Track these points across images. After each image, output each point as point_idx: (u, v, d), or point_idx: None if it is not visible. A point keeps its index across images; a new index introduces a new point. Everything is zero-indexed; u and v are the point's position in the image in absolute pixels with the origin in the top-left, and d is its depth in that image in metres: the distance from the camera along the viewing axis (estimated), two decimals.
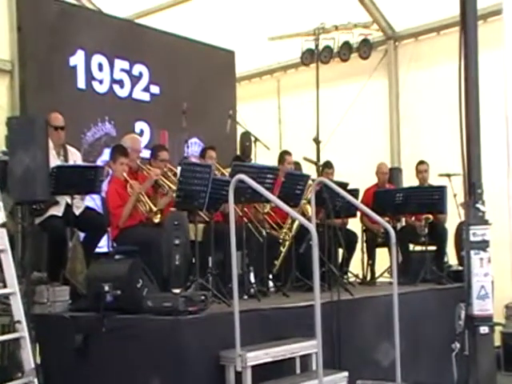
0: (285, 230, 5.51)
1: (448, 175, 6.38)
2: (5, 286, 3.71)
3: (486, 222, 3.34)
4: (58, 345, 3.94)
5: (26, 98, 6.08)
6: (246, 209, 5.00)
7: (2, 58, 6.16)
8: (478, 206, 3.35)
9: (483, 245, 3.29)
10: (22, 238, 4.36)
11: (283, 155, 6.24)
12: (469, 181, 3.41)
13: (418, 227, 6.26)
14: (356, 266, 6.42)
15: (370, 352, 4.43)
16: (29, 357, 3.59)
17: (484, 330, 3.15)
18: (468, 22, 3.46)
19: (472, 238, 3.29)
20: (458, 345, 3.17)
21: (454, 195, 6.26)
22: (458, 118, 3.45)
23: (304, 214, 5.47)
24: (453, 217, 6.23)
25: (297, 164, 6.48)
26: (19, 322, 3.60)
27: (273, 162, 6.12)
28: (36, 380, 3.58)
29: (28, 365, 3.57)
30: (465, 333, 3.18)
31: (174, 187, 4.69)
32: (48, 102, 5.92)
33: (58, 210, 4.83)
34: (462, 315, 3.16)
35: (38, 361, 3.76)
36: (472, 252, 3.28)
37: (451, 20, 7.18)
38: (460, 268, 5.99)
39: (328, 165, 6.31)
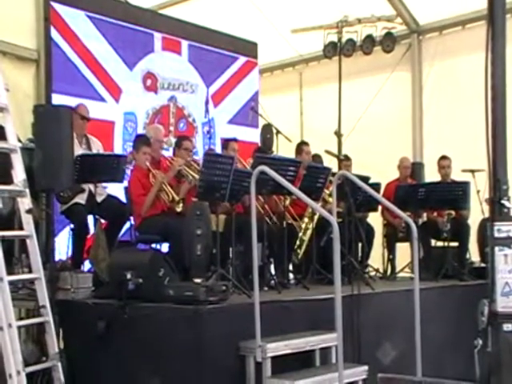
0: (306, 220, 5.49)
1: (472, 171, 6.29)
2: (30, 272, 3.78)
3: (511, 219, 3.30)
4: (80, 330, 3.99)
5: (51, 87, 6.14)
6: (266, 205, 5.00)
7: (28, 47, 6.23)
8: (503, 202, 3.30)
9: (508, 241, 3.24)
10: (47, 225, 4.43)
11: (300, 146, 6.17)
12: (494, 177, 3.37)
13: (440, 223, 6.21)
14: (376, 260, 6.39)
15: (390, 346, 4.41)
16: (53, 341, 3.64)
17: (508, 327, 3.10)
18: (496, 14, 3.40)
19: (496, 235, 3.24)
20: (480, 341, 3.14)
21: (478, 191, 6.18)
22: (482, 113, 3.39)
23: (326, 202, 5.45)
24: (476, 213, 6.16)
25: (318, 157, 6.45)
26: (44, 306, 3.65)
27: (294, 154, 6.10)
28: (59, 364, 3.64)
29: (52, 349, 3.64)
30: (488, 330, 3.14)
31: (197, 176, 4.70)
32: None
33: (81, 198, 4.89)
34: (485, 311, 3.12)
35: (61, 345, 3.81)
36: (496, 248, 3.23)
37: (477, 14, 7.09)
38: (482, 265, 5.94)
39: (345, 157, 6.26)
